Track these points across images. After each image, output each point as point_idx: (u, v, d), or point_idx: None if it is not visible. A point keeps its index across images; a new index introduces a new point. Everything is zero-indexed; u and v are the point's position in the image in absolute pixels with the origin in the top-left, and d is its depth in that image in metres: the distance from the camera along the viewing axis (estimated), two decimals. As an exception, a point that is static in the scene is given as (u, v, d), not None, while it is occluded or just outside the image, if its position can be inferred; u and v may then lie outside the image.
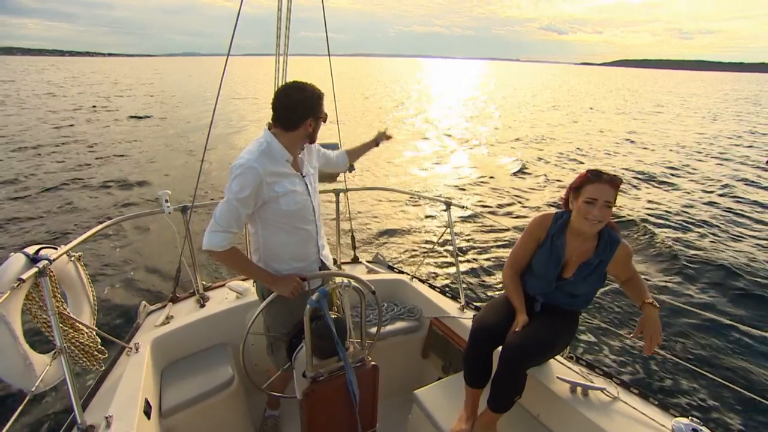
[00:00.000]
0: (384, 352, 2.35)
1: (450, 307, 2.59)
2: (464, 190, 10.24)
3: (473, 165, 12.70)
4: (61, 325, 1.77)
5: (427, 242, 6.97)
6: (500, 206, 8.92)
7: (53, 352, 1.65)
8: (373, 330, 2.17)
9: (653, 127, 21.95)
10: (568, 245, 1.83)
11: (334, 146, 3.01)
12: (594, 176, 1.72)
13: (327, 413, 1.74)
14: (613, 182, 1.70)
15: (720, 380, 2.10)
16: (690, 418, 1.59)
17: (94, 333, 2.06)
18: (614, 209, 1.73)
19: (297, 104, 1.73)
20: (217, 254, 1.74)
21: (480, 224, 7.62)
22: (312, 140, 1.86)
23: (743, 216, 8.58)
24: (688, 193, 10.14)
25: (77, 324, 1.95)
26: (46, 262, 1.66)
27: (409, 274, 3.01)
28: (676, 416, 1.68)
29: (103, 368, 2.08)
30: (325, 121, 1.85)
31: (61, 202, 8.57)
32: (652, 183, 10.99)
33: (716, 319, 2.73)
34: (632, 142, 17.15)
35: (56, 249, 1.88)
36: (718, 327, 4.52)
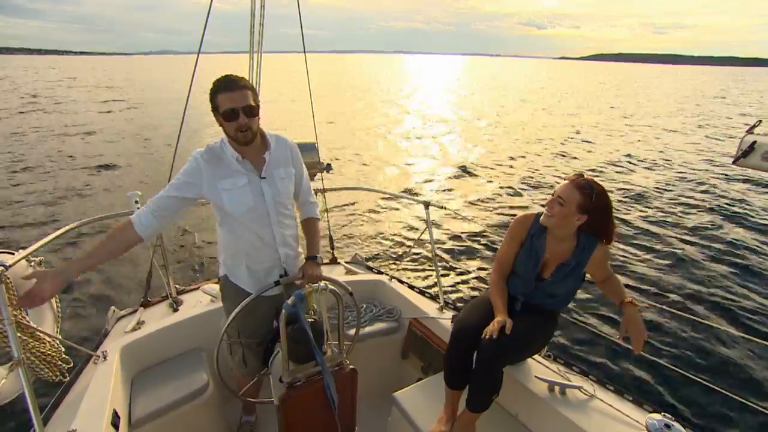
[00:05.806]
0: (363, 353, 2.32)
1: (429, 307, 2.58)
2: (443, 189, 10.28)
3: (452, 164, 12.77)
4: (19, 335, 1.67)
5: (406, 242, 6.96)
6: (479, 207, 9.00)
7: (10, 364, 1.56)
8: (352, 332, 2.14)
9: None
10: (548, 246, 1.85)
11: (311, 146, 2.96)
12: (568, 177, 1.75)
13: (305, 418, 1.71)
14: (573, 180, 1.72)
15: (692, 376, 2.16)
16: (663, 413, 1.62)
17: (58, 342, 1.96)
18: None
19: None
20: None
21: (459, 225, 7.67)
22: (237, 140, 1.66)
23: (713, 213, 8.85)
24: (662, 184, 10.45)
25: (38, 333, 1.85)
26: (2, 267, 1.56)
27: (387, 275, 2.99)
28: (650, 412, 1.72)
29: (68, 379, 1.98)
30: (229, 119, 1.61)
31: (21, 205, 8.19)
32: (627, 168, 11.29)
33: (688, 317, 2.82)
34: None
35: (13, 254, 1.78)
36: (690, 324, 4.64)
